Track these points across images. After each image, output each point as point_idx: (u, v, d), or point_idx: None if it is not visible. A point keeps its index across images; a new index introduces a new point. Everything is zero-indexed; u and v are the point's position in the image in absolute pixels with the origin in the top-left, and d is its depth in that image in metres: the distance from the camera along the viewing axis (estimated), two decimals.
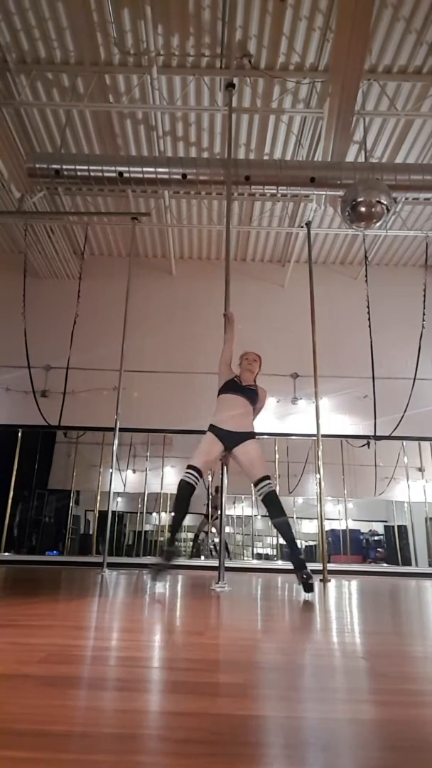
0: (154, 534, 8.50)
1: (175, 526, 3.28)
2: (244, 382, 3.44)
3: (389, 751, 0.63)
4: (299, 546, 3.24)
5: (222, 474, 3.54)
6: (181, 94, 5.39)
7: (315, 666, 1.10)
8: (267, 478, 3.08)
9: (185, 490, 3.10)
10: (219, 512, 3.56)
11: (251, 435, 3.24)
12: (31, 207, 6.09)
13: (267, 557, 8.43)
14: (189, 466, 3.15)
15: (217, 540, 7.42)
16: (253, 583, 4.06)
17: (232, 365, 3.61)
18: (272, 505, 3.00)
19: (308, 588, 2.82)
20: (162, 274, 8.20)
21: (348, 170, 5.17)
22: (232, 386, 3.40)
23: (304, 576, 2.85)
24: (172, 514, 3.21)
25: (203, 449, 3.21)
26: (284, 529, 3.01)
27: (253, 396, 3.38)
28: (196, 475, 3.12)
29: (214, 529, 7.58)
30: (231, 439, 3.19)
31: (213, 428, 3.25)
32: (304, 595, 2.81)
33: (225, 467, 3.43)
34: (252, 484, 3.12)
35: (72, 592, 2.78)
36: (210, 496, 7.73)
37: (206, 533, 7.88)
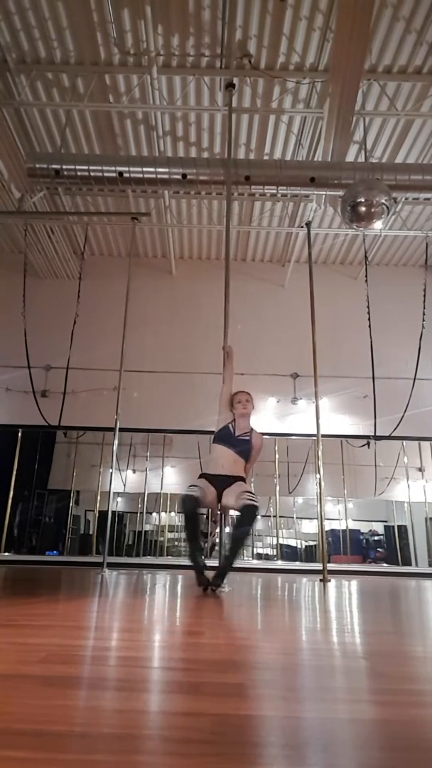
0: (154, 534, 8.50)
1: (193, 551, 3.05)
2: (238, 431, 3.33)
3: (389, 751, 0.63)
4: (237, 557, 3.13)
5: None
6: (181, 94, 5.39)
7: (315, 666, 1.10)
8: (250, 492, 3.01)
9: (189, 504, 2.98)
10: (219, 529, 3.49)
11: (241, 478, 3.18)
12: (31, 207, 6.09)
13: (267, 557, 8.43)
14: (192, 485, 3.09)
15: (216, 540, 7.41)
16: (253, 583, 4.06)
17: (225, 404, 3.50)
18: (247, 515, 2.91)
19: (208, 586, 2.87)
20: (162, 274, 8.20)
21: (348, 170, 5.17)
22: (227, 437, 3.31)
23: (216, 585, 2.88)
24: (186, 539, 3.08)
25: (200, 487, 3.11)
26: (240, 540, 2.99)
27: (246, 447, 3.29)
28: (198, 486, 3.05)
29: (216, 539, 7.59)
30: (221, 482, 3.12)
31: (204, 475, 3.20)
32: (199, 588, 2.86)
33: (225, 515, 3.36)
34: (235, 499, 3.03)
35: (72, 592, 2.78)
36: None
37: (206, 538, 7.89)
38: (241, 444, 3.29)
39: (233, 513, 3.12)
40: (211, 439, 3.61)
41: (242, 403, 3.45)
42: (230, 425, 3.37)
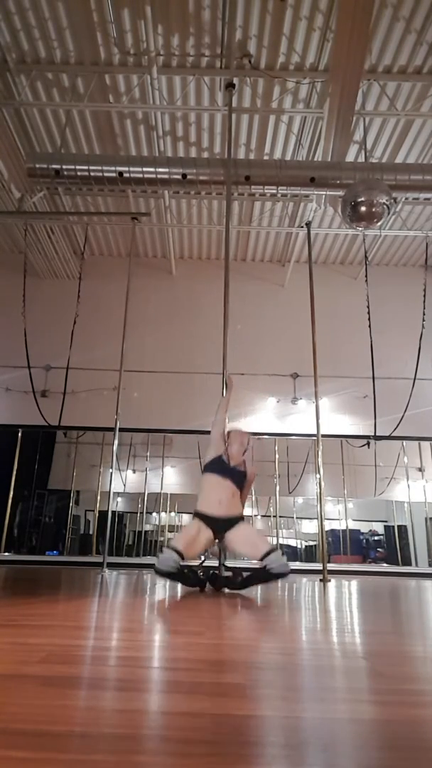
0: (154, 534, 8.50)
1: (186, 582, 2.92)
2: (232, 461, 3.19)
3: (389, 751, 0.63)
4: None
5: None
6: (181, 94, 5.39)
7: (315, 666, 1.10)
8: (275, 549, 2.82)
9: (167, 575, 2.75)
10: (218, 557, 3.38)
11: (241, 518, 3.06)
12: (31, 207, 6.09)
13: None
14: (169, 546, 2.82)
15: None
16: None
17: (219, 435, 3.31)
18: (277, 577, 2.73)
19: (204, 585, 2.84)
20: (162, 274, 8.20)
21: (348, 170, 5.17)
22: (220, 467, 3.15)
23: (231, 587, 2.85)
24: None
25: (190, 534, 2.93)
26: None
27: (241, 479, 3.17)
28: (176, 559, 2.75)
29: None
30: (221, 526, 2.98)
31: (200, 515, 3.01)
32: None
33: (224, 552, 3.25)
34: (258, 561, 2.83)
35: (72, 592, 2.78)
36: None
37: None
38: (238, 475, 3.17)
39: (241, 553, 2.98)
40: (201, 466, 3.45)
41: (238, 446, 3.24)
42: (223, 456, 3.21)
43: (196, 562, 3.36)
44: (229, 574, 3.07)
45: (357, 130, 5.60)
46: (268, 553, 2.78)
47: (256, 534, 2.98)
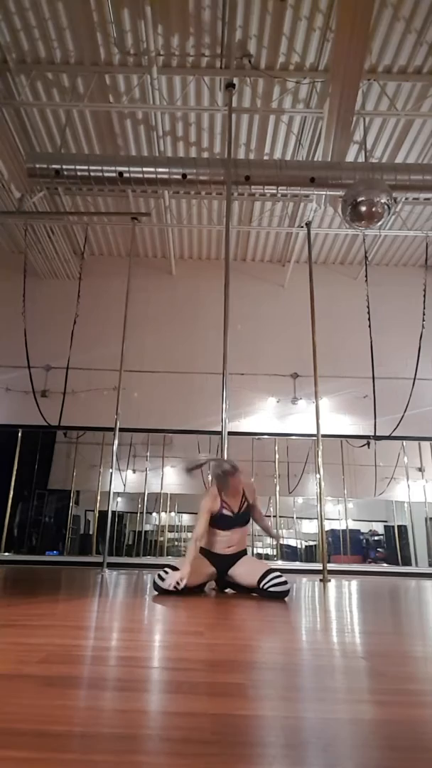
0: (154, 534, 8.50)
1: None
2: (236, 508, 2.98)
3: (389, 751, 0.63)
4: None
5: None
6: (181, 94, 5.39)
7: (315, 666, 1.10)
8: (271, 570, 2.74)
9: (165, 593, 2.67)
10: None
11: (244, 552, 3.00)
12: (31, 207, 6.09)
13: (267, 557, 8.42)
14: (173, 567, 2.72)
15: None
16: None
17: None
18: (278, 597, 2.65)
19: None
20: (162, 274, 8.20)
21: (348, 170, 5.17)
22: (226, 523, 2.92)
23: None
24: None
25: (194, 565, 2.74)
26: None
27: (246, 517, 3.01)
28: (178, 581, 2.62)
29: None
30: (224, 563, 2.91)
31: (205, 551, 2.92)
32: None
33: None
34: (256, 582, 2.75)
35: (72, 592, 2.78)
36: None
37: None
38: (245, 516, 3.01)
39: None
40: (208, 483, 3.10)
41: (233, 493, 2.97)
42: (224, 511, 2.94)
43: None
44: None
45: (357, 130, 5.60)
46: (264, 575, 2.72)
47: (257, 563, 2.90)
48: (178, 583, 2.63)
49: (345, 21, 4.04)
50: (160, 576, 2.74)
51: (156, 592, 2.72)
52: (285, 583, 2.68)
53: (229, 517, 2.94)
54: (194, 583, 2.80)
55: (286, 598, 2.65)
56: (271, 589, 2.68)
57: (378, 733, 0.68)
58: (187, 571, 2.67)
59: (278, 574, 2.72)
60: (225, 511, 2.94)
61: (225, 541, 2.95)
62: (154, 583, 2.74)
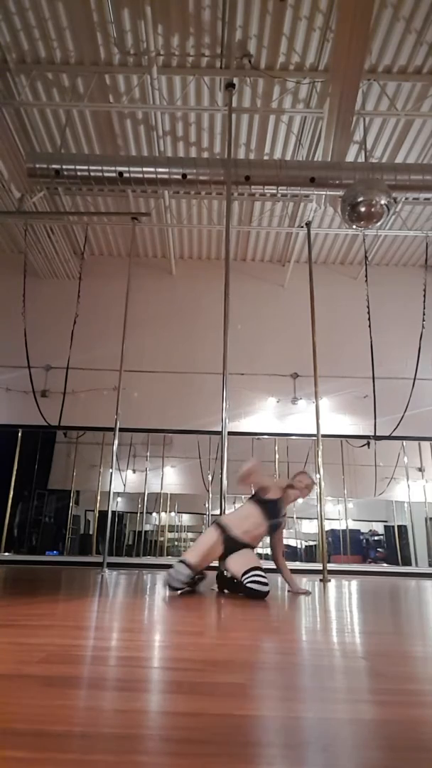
0: (154, 534, 8.50)
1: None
2: (282, 512, 3.14)
3: (389, 751, 0.63)
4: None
5: (221, 474, 3.54)
6: (181, 94, 5.39)
7: (315, 666, 1.10)
8: (256, 568, 2.75)
9: (174, 588, 2.76)
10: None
11: (250, 546, 3.01)
12: (31, 207, 6.09)
13: (267, 557, 8.42)
14: (182, 561, 2.79)
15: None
16: None
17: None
18: (253, 596, 2.66)
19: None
20: (162, 274, 8.20)
21: (348, 170, 5.17)
22: (272, 510, 3.07)
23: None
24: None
25: (208, 545, 2.88)
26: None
27: (278, 524, 3.09)
28: (188, 574, 2.74)
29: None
30: (231, 547, 2.93)
31: (223, 528, 2.96)
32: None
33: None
34: (240, 574, 2.77)
35: (72, 592, 2.78)
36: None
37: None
38: (279, 522, 3.08)
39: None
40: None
41: (292, 499, 3.22)
42: (279, 501, 3.11)
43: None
44: (230, 575, 3.06)
45: (357, 130, 5.60)
46: (248, 571, 2.73)
47: (251, 557, 2.90)
48: (187, 577, 2.71)
49: (345, 21, 4.04)
50: (169, 572, 2.81)
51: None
52: (265, 584, 2.65)
53: (276, 509, 3.06)
54: (204, 565, 2.87)
55: (265, 598, 2.63)
56: (248, 584, 2.67)
57: (378, 733, 0.68)
58: (199, 552, 2.82)
59: (262, 573, 2.71)
60: (278, 504, 3.07)
61: (248, 522, 2.99)
62: (167, 582, 2.79)
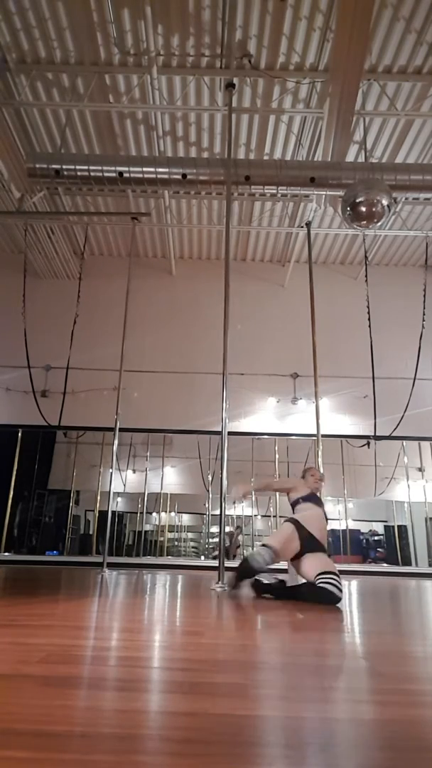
0: (154, 534, 8.50)
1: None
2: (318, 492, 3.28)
3: (389, 751, 0.63)
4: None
5: (222, 474, 3.53)
6: (181, 94, 5.38)
7: (315, 666, 1.10)
8: (334, 573, 2.67)
9: (253, 568, 2.78)
10: (238, 549, 3.32)
11: (324, 550, 2.96)
12: (31, 207, 6.09)
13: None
14: (266, 545, 2.83)
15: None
16: None
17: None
18: (324, 599, 2.56)
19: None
20: (162, 274, 8.20)
21: (348, 170, 5.17)
22: (316, 499, 3.17)
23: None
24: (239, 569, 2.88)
25: (286, 535, 2.88)
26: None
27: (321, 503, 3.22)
28: (272, 556, 2.76)
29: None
30: (308, 546, 2.87)
31: (299, 526, 2.93)
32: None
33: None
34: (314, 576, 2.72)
35: (72, 592, 2.78)
36: (232, 536, 7.89)
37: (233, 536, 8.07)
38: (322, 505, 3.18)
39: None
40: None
41: (317, 478, 3.34)
42: (317, 492, 3.25)
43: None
44: (272, 580, 2.99)
45: (357, 130, 5.60)
46: (323, 573, 2.64)
47: (328, 562, 2.84)
48: (267, 562, 2.74)
49: (345, 21, 4.04)
50: (250, 555, 2.83)
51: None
52: (340, 590, 2.53)
53: (318, 498, 3.18)
54: (285, 557, 2.86)
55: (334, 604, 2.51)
56: (321, 584, 2.56)
57: (378, 733, 0.68)
58: (279, 541, 2.82)
59: (339, 580, 2.59)
60: (318, 493, 3.25)
61: (319, 522, 3.00)
62: (245, 562, 2.80)
